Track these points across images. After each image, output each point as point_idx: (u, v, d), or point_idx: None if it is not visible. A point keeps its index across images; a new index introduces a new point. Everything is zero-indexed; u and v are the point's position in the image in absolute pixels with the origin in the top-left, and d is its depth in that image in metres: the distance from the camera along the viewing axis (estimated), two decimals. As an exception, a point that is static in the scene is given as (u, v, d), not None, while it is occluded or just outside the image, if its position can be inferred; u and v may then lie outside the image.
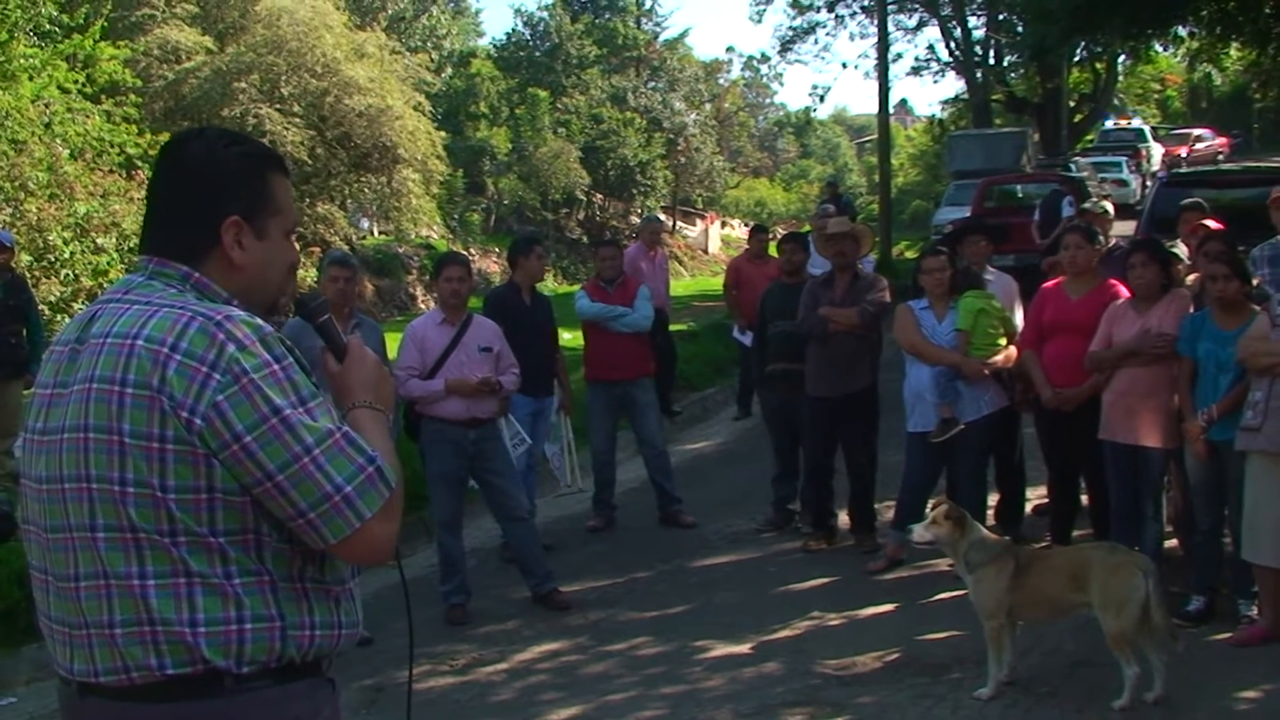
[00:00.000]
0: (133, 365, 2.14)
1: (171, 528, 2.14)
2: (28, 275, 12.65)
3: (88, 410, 2.17)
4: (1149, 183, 25.11)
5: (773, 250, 12.94)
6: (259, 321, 2.22)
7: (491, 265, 30.46)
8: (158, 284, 2.28)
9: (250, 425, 2.11)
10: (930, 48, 42.50)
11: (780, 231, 13.96)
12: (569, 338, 10.19)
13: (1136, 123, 41.18)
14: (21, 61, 17.38)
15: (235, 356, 2.13)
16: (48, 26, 19.69)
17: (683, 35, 65.71)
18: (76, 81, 18.22)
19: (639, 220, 28.15)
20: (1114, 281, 7.15)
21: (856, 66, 63.14)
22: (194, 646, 2.14)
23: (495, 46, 46.71)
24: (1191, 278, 7.31)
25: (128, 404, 2.13)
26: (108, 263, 16.95)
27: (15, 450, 9.24)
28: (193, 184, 2.31)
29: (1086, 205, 9.78)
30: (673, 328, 13.58)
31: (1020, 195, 21.51)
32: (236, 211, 2.30)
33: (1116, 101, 46.53)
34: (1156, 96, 56.03)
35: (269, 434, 2.12)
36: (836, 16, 39.82)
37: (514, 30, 45.95)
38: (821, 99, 54.23)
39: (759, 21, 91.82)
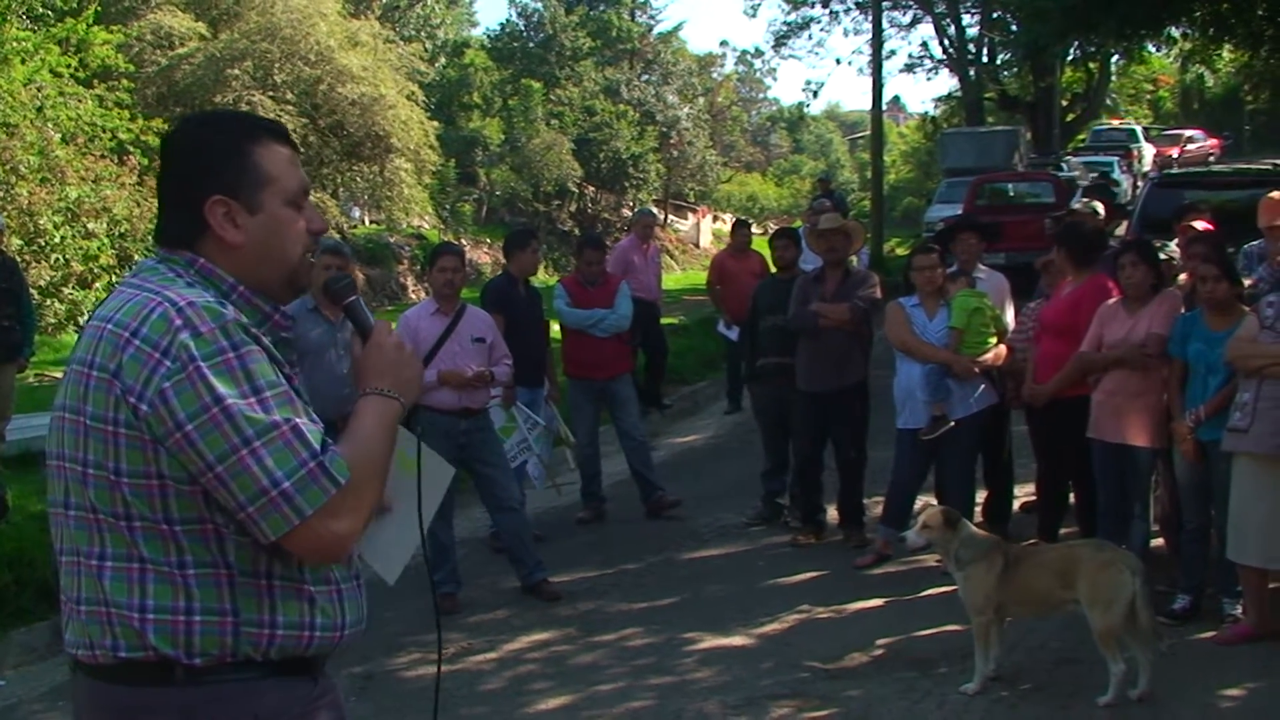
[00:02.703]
0: (100, 349, 2.16)
1: (126, 512, 2.14)
2: (18, 259, 12.59)
3: (68, 392, 2.21)
4: (1140, 183, 25.17)
5: (756, 245, 12.97)
6: (224, 309, 2.17)
7: (483, 256, 30.44)
8: (163, 268, 2.28)
9: (191, 414, 2.08)
10: (924, 45, 42.50)
11: (771, 227, 13.96)
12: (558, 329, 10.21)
13: (1128, 123, 41.21)
14: (14, 44, 17.35)
15: (185, 343, 2.10)
16: (40, 9, 19.66)
17: (677, 29, 65.32)
18: (69, 65, 18.18)
19: (631, 213, 28.15)
20: (1103, 279, 7.18)
21: (850, 63, 63.59)
22: (141, 632, 2.14)
23: (489, 37, 46.58)
24: (1183, 278, 7.35)
25: (91, 386, 2.16)
26: (98, 248, 16.95)
27: (8, 434, 9.24)
28: (175, 171, 2.32)
29: (1077, 205, 9.82)
30: (664, 321, 13.59)
31: (1012, 194, 21.57)
32: (218, 190, 2.27)
33: (1109, 101, 46.60)
34: (1149, 97, 56.12)
35: (209, 423, 2.08)
36: (831, 12, 39.95)
37: (508, 21, 45.87)
38: (815, 94, 54.80)
39: (753, 16, 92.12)
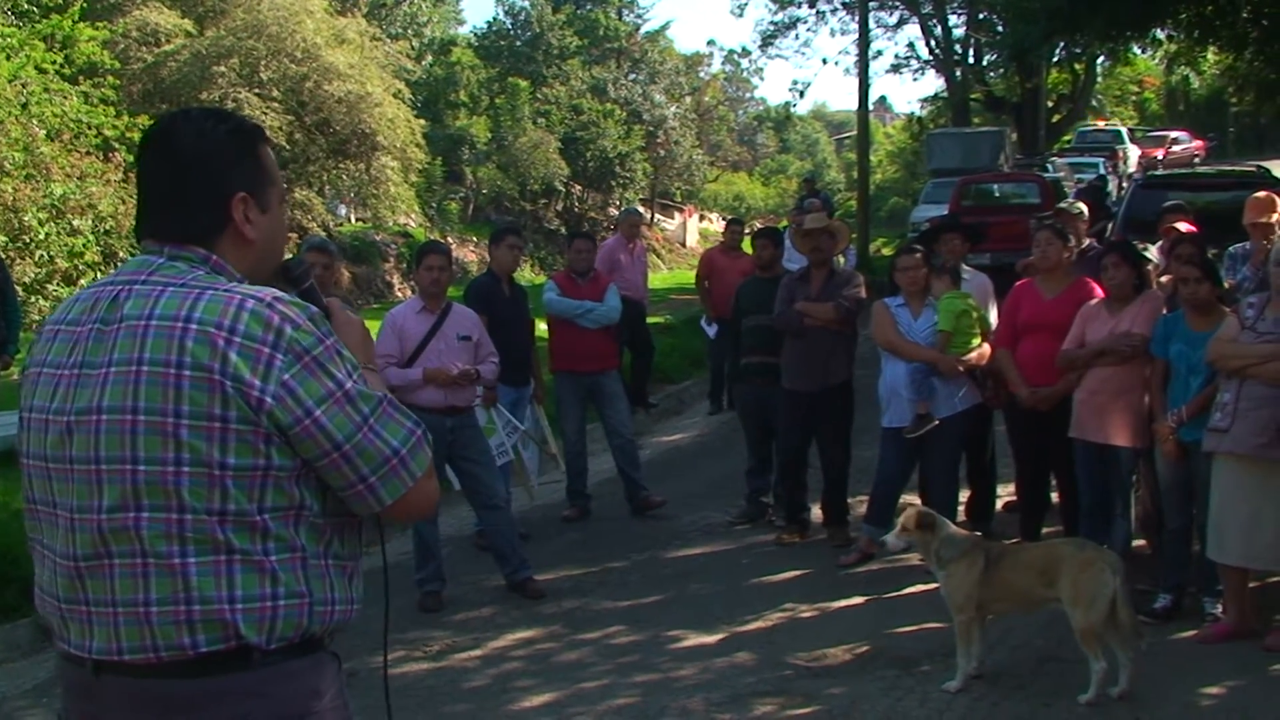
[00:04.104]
0: (188, 348, 2.16)
1: (223, 506, 2.18)
2: (2, 256, 12.57)
3: (136, 392, 2.18)
4: (1125, 184, 25.26)
5: (747, 245, 13.00)
6: (302, 301, 2.30)
7: (469, 254, 30.40)
8: (181, 265, 2.30)
9: (319, 399, 2.20)
10: (910, 45, 42.53)
11: (758, 226, 13.95)
12: (542, 328, 10.23)
13: (1114, 124, 41.32)
14: (-1, 41, 17.29)
15: (294, 337, 2.20)
16: (25, 6, 19.59)
17: (664, 28, 65.45)
18: (54, 62, 18.11)
19: (617, 212, 28.16)
20: (1089, 281, 7.23)
21: (837, 63, 63.40)
22: (231, 623, 2.18)
23: (476, 35, 46.48)
24: (1165, 279, 7.40)
25: (185, 386, 2.16)
26: (83, 244, 16.89)
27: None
28: (193, 167, 2.33)
29: (1062, 205, 9.85)
30: (650, 320, 13.60)
31: (997, 195, 21.62)
32: (241, 188, 2.34)
33: (1095, 103, 46.73)
34: (1134, 99, 56.28)
35: (334, 406, 2.22)
36: (818, 12, 39.99)
37: (495, 19, 45.75)
38: (801, 94, 54.73)
39: (740, 15, 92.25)
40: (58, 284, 16.59)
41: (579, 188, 39.45)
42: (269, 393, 2.16)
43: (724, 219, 17.63)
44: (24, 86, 17.19)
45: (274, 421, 2.18)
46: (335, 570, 2.33)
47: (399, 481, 2.29)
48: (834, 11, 39.64)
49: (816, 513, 8.47)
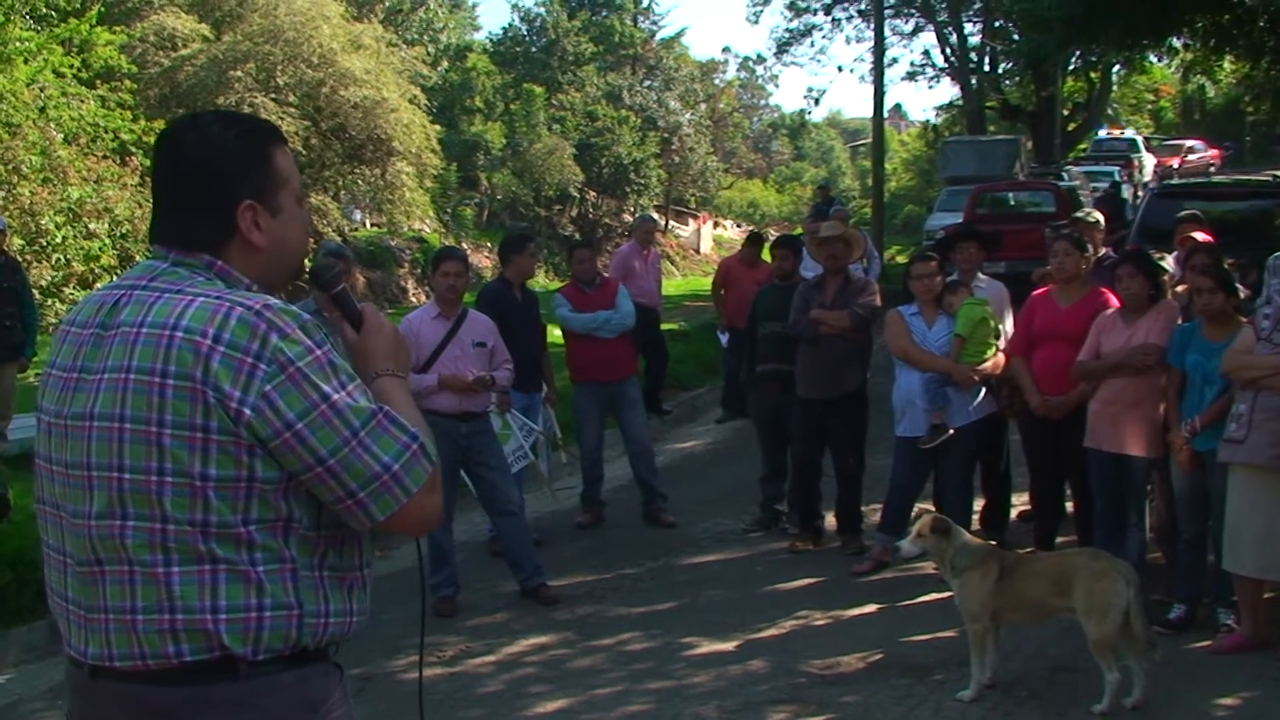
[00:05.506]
0: (173, 356, 2.14)
1: (205, 518, 2.15)
2: (20, 259, 12.64)
3: (124, 400, 2.17)
4: (1140, 193, 25.19)
5: (765, 255, 13.01)
6: (296, 309, 2.24)
7: (483, 260, 30.45)
8: (183, 271, 2.28)
9: (301, 413, 2.14)
10: (926, 53, 42.69)
11: (773, 233, 13.91)
12: (557, 333, 10.22)
13: (1129, 133, 41.23)
14: (17, 45, 17.36)
15: (279, 346, 2.14)
16: (44, 10, 19.67)
17: (679, 34, 65.30)
18: (72, 66, 18.21)
19: (632, 219, 28.19)
20: (1104, 290, 7.22)
21: (852, 70, 63.18)
22: (214, 634, 2.16)
23: (492, 41, 46.63)
24: (1180, 288, 7.38)
25: (169, 395, 2.13)
26: (100, 248, 16.98)
27: (9, 433, 9.26)
28: (198, 174, 2.29)
29: (1078, 214, 9.85)
30: (664, 327, 13.60)
31: (1012, 203, 21.58)
32: (248, 195, 2.29)
33: (1110, 111, 46.62)
34: (1150, 107, 56.19)
35: (319, 420, 2.15)
36: (833, 20, 39.93)
37: (511, 25, 45.93)
38: (816, 102, 54.65)
39: (755, 23, 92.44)
40: (74, 287, 16.67)
41: (593, 194, 39.50)
42: (248, 404, 2.12)
43: (739, 226, 17.59)
44: (41, 90, 17.29)
45: (253, 433, 2.14)
46: (331, 582, 2.29)
47: (391, 498, 2.21)
48: (849, 19, 39.63)
49: (830, 520, 8.46)
